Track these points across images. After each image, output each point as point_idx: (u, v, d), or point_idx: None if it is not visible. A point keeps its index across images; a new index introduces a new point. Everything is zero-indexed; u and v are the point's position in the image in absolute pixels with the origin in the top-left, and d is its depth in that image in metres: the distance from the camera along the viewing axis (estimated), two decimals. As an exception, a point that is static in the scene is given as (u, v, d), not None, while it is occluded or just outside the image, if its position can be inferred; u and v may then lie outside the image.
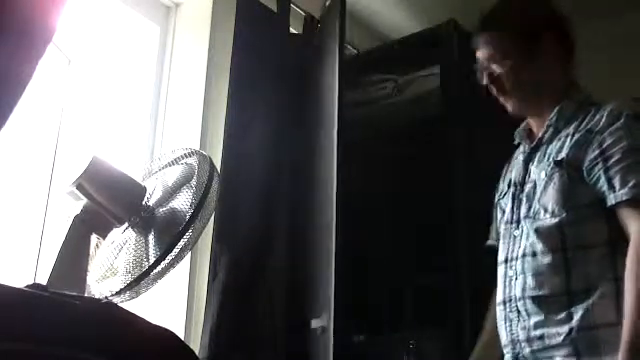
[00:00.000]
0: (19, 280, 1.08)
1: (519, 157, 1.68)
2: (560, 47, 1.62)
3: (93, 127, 2.22)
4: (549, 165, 1.53)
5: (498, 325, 1.59)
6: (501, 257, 1.62)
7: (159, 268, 1.58)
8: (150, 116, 2.48)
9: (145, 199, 1.69)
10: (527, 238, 1.53)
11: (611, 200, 1.43)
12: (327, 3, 2.38)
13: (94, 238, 1.66)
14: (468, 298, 2.08)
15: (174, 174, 1.73)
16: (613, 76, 2.90)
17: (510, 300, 1.55)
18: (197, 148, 1.93)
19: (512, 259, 1.57)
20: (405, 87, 2.55)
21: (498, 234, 1.68)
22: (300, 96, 2.35)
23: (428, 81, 2.49)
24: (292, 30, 2.55)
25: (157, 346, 0.88)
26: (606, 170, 1.44)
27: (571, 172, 1.49)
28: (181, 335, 2.15)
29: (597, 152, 1.46)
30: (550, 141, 1.59)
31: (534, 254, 1.51)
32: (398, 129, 2.54)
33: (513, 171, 1.68)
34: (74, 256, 1.56)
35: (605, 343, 1.37)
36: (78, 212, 1.60)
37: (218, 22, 2.53)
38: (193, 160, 1.73)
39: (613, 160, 1.43)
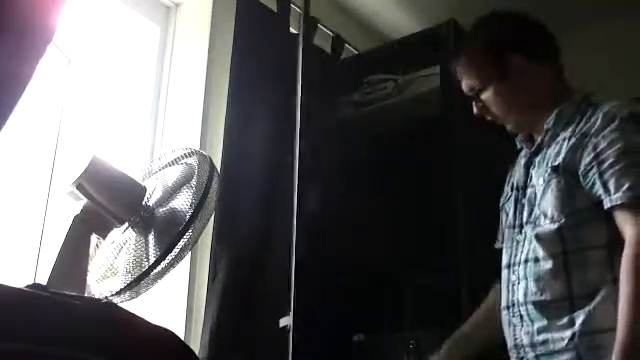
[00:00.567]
0: (19, 280, 1.09)
1: (521, 161, 1.68)
2: (534, 59, 1.61)
3: (93, 127, 2.22)
4: (546, 171, 1.53)
5: (503, 329, 1.59)
6: (504, 262, 1.62)
7: (159, 268, 1.58)
8: (150, 116, 2.48)
9: (145, 199, 1.69)
10: (529, 243, 1.53)
11: (607, 204, 1.42)
12: None
13: (94, 238, 1.65)
14: (468, 298, 2.08)
15: (174, 174, 1.72)
16: (613, 76, 2.90)
17: (513, 305, 1.55)
18: (197, 148, 1.93)
19: (515, 264, 1.57)
20: (405, 87, 2.55)
21: (504, 237, 1.68)
22: (300, 96, 2.34)
23: (428, 81, 2.49)
24: (292, 30, 2.55)
25: (157, 346, 0.88)
26: (601, 174, 1.43)
27: (568, 177, 1.48)
28: (181, 335, 2.15)
29: (592, 156, 1.45)
30: (549, 145, 1.58)
31: (536, 259, 1.51)
32: (398, 129, 2.54)
33: (516, 175, 1.68)
34: (74, 256, 1.55)
35: (606, 347, 1.36)
36: (78, 212, 1.60)
37: (218, 22, 2.53)
38: (193, 160, 1.73)
39: (607, 163, 1.42)
